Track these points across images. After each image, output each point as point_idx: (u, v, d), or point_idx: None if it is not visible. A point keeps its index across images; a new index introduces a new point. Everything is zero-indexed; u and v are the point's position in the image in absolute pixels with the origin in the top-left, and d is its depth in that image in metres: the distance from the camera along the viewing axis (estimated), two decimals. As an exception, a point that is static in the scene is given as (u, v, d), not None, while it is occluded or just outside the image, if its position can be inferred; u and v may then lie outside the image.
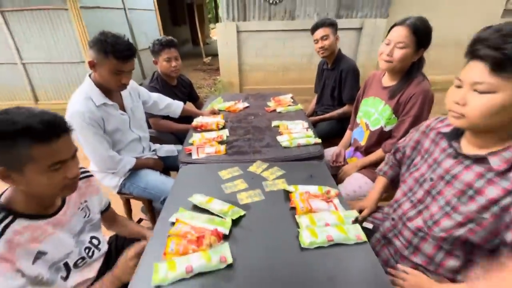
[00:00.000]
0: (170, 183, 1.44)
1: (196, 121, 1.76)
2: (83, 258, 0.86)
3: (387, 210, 1.07)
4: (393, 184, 1.17)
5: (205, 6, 14.69)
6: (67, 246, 0.81)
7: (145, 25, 5.88)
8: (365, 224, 1.11)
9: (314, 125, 2.11)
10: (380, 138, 1.41)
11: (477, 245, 0.73)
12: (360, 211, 1.15)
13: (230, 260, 0.77)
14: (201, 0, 13.34)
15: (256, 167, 1.24)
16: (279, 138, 1.51)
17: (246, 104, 2.09)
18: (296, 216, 0.93)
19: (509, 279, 0.64)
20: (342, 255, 0.80)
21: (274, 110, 1.97)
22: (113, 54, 1.23)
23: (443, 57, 3.97)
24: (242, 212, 0.96)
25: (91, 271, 0.91)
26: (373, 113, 1.43)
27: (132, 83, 1.55)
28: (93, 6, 4.18)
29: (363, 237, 0.84)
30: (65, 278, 0.80)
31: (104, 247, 0.97)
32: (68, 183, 0.73)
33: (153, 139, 1.82)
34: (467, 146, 0.79)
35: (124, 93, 1.50)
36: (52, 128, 0.66)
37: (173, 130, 1.96)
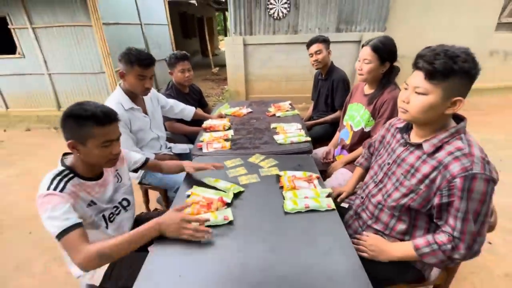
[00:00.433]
0: (183, 175, 1.70)
1: (206, 123, 2.06)
2: (112, 214, 1.13)
3: (359, 192, 1.31)
4: (368, 172, 1.41)
5: (214, 19, 15.27)
6: (107, 201, 1.10)
7: (159, 38, 6.32)
8: (343, 204, 1.35)
9: (310, 128, 2.38)
10: (361, 137, 1.66)
11: (417, 210, 0.96)
12: (340, 195, 1.39)
13: (231, 218, 1.04)
14: (210, 14, 13.93)
15: (255, 158, 1.51)
16: (275, 137, 1.78)
17: (250, 110, 2.38)
18: (283, 192, 1.18)
19: None
20: (315, 218, 1.06)
21: (274, 115, 2.24)
22: (137, 62, 1.54)
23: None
24: (242, 189, 1.23)
25: (125, 228, 1.19)
26: (356, 116, 1.68)
27: (153, 91, 1.87)
28: (113, 23, 4.60)
29: (332, 206, 1.10)
30: (106, 227, 1.09)
31: (132, 210, 1.24)
32: (112, 157, 1.02)
33: (168, 140, 2.10)
34: (414, 136, 1.04)
35: (146, 98, 1.80)
36: (108, 116, 0.96)
37: (185, 132, 2.24)
